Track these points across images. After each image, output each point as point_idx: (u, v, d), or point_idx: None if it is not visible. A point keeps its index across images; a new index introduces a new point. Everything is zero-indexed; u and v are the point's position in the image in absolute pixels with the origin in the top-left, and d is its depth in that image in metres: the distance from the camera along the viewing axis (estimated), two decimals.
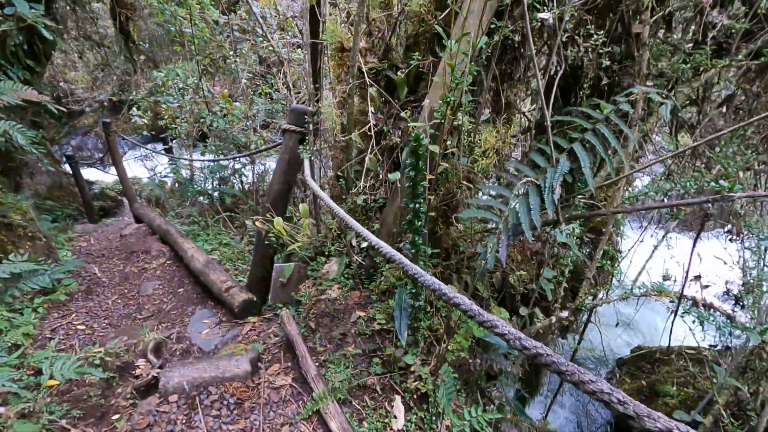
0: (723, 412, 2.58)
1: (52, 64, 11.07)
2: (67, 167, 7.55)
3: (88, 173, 10.26)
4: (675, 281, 3.64)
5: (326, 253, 3.37)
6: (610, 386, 0.85)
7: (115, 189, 8.94)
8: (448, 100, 2.01)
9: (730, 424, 2.62)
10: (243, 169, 7.37)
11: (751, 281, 3.41)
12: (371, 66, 3.19)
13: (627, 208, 2.00)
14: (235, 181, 7.41)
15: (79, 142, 12.33)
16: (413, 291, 2.27)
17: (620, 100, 1.72)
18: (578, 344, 3.44)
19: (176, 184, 8.23)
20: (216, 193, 7.21)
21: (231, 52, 6.97)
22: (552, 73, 2.67)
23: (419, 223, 2.06)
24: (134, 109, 8.06)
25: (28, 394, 2.21)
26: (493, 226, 2.44)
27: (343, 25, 3.47)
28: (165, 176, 8.47)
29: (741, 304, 3.68)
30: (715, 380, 2.84)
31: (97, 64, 10.87)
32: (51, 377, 2.21)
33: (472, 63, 1.92)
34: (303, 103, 5.84)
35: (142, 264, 5.15)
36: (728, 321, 3.15)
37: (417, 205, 2.02)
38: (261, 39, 7.04)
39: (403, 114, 2.80)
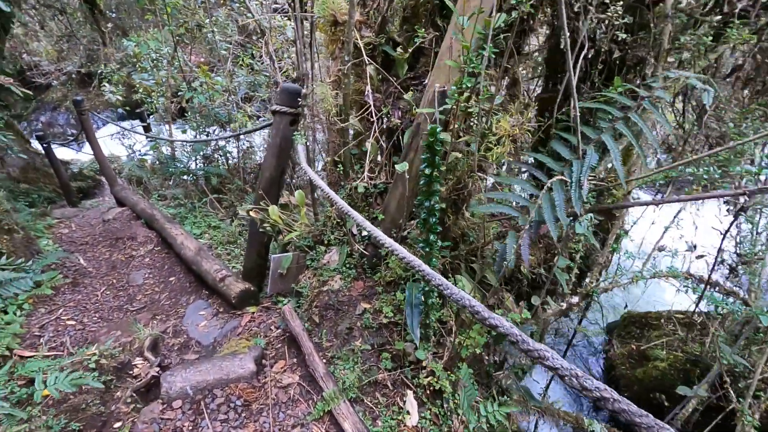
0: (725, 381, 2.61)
1: (12, 38, 10.24)
2: (38, 146, 7.08)
3: (62, 152, 9.73)
4: (675, 254, 3.63)
5: (326, 242, 3.23)
6: (611, 391, 0.79)
7: (93, 168, 8.50)
8: (464, 85, 1.83)
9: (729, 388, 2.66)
10: (227, 146, 7.03)
11: (747, 253, 3.42)
12: (368, 41, 2.94)
13: (653, 201, 1.89)
14: (220, 158, 7.08)
15: (49, 118, 11.58)
16: (426, 289, 2.17)
17: (656, 86, 1.57)
18: (579, 324, 3.44)
19: (157, 163, 7.85)
20: (201, 173, 6.89)
21: (206, 20, 6.48)
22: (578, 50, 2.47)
23: (434, 220, 1.93)
24: (106, 84, 7.51)
25: (22, 414, 2.07)
26: (504, 215, 2.33)
27: None
28: (144, 154, 8.06)
29: (735, 273, 3.73)
30: (715, 353, 2.87)
31: (61, 34, 10.05)
32: (44, 386, 2.08)
33: (490, 45, 1.73)
34: (288, 76, 5.50)
35: (129, 251, 4.94)
36: (727, 297, 3.17)
37: (432, 203, 1.88)
38: (238, 5, 6.54)
39: (406, 96, 2.60)
